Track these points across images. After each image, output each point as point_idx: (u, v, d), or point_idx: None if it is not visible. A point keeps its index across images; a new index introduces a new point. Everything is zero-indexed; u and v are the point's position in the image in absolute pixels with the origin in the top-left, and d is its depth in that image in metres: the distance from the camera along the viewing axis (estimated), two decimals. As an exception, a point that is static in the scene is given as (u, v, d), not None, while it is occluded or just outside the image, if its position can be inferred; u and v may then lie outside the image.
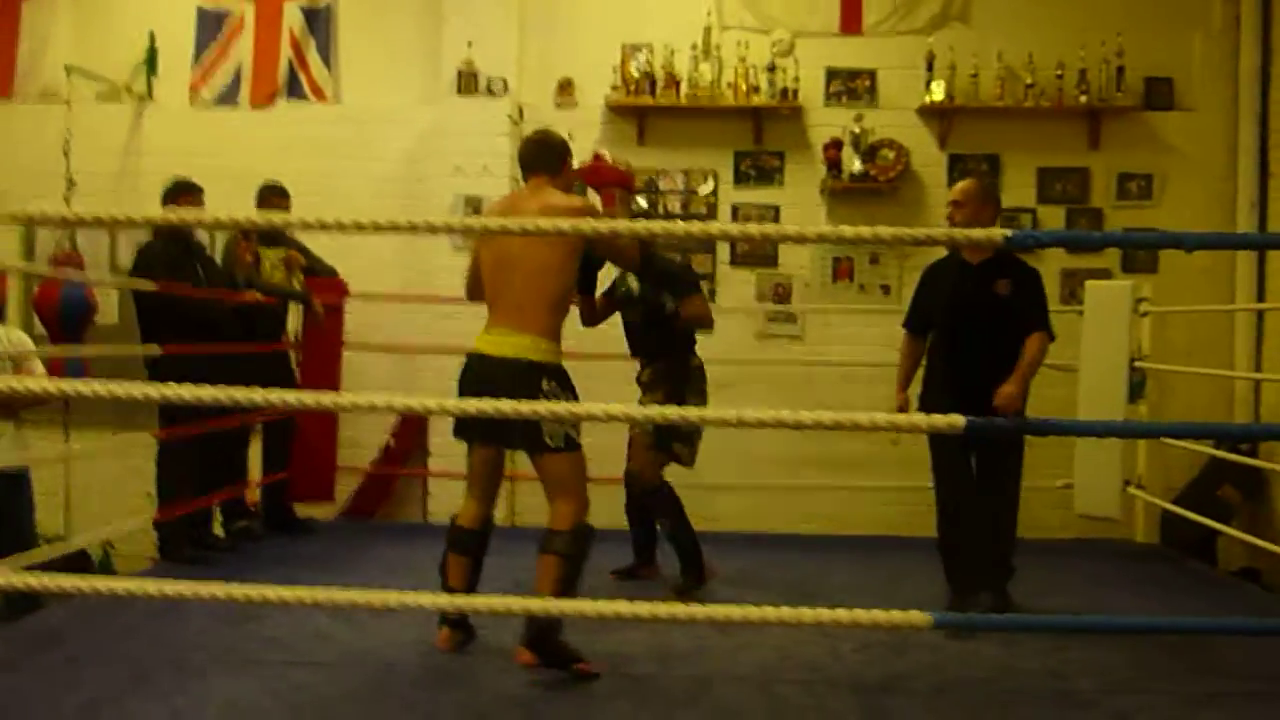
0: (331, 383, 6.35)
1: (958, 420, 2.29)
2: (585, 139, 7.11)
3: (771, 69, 6.94)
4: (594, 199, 4.78)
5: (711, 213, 7.08)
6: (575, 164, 4.34)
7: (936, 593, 5.22)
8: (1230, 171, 6.84)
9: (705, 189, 7.12)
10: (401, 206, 6.83)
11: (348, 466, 6.87)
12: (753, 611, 2.38)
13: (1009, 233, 2.36)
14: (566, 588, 3.79)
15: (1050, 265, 6.99)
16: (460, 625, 4.20)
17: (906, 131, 7.01)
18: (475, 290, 4.20)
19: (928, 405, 4.68)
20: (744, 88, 6.94)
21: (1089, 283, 6.53)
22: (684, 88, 6.97)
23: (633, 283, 5.10)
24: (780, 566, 5.73)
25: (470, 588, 4.13)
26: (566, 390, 3.88)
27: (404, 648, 4.16)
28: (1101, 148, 6.97)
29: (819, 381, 6.88)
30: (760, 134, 7.07)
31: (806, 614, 2.25)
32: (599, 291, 5.01)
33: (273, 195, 6.14)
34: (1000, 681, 3.96)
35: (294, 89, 7.29)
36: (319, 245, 6.48)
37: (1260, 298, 6.68)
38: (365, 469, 7.05)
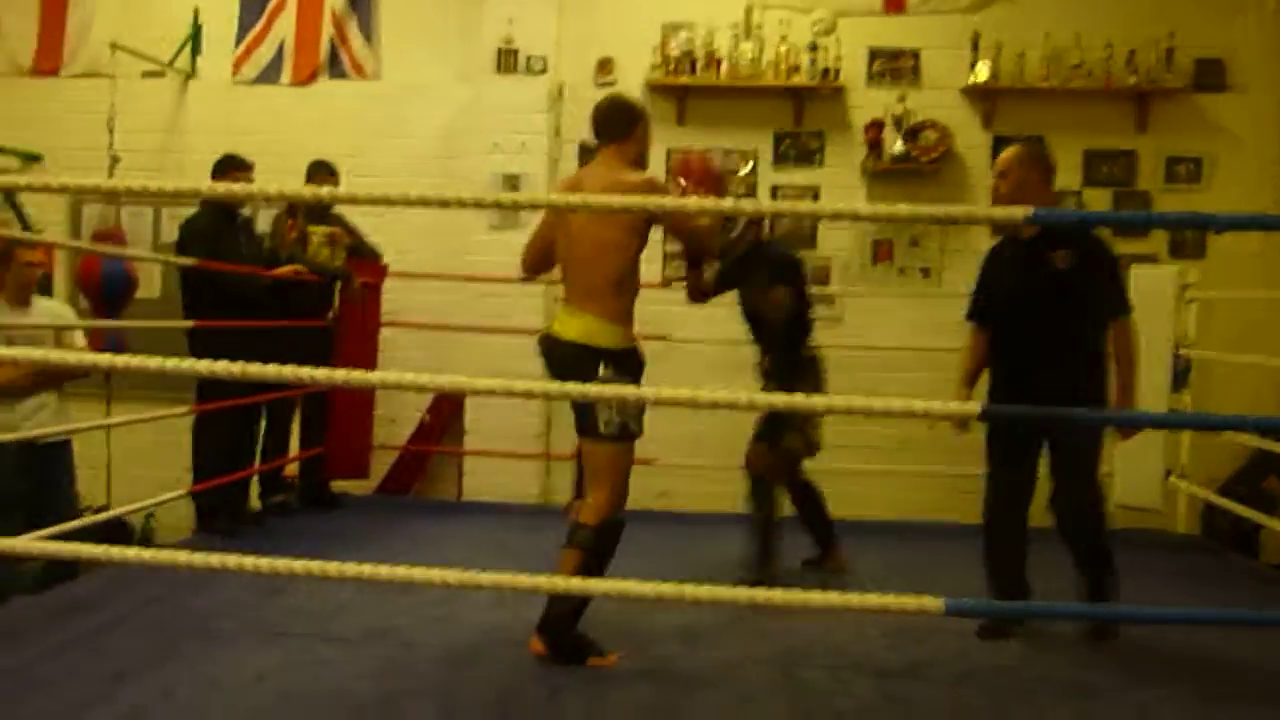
0: (368, 361, 6.38)
1: (971, 408, 2.22)
2: (624, 118, 7.10)
3: (813, 49, 6.86)
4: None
5: (751, 194, 7.03)
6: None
7: (965, 578, 5.18)
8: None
9: (744, 170, 7.06)
10: (439, 184, 6.86)
11: (384, 444, 6.92)
12: (760, 595, 2.36)
13: (1030, 211, 2.30)
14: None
15: (1095, 250, 6.89)
16: None
17: (950, 112, 6.92)
18: (531, 263, 4.09)
19: (993, 402, 4.28)
20: (784, 68, 6.87)
21: (1134, 268, 6.41)
22: (724, 67, 6.92)
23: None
24: (811, 551, 5.68)
25: None
26: (626, 375, 3.72)
27: (426, 624, 4.19)
28: (1149, 130, 6.83)
29: (857, 366, 6.79)
30: (801, 114, 7.01)
31: (816, 598, 2.22)
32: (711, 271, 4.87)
33: (321, 172, 6.17)
34: (1023, 671, 3.91)
35: (335, 66, 7.33)
36: (359, 221, 6.51)
37: (1312, 284, 6.53)
38: (401, 446, 7.10)
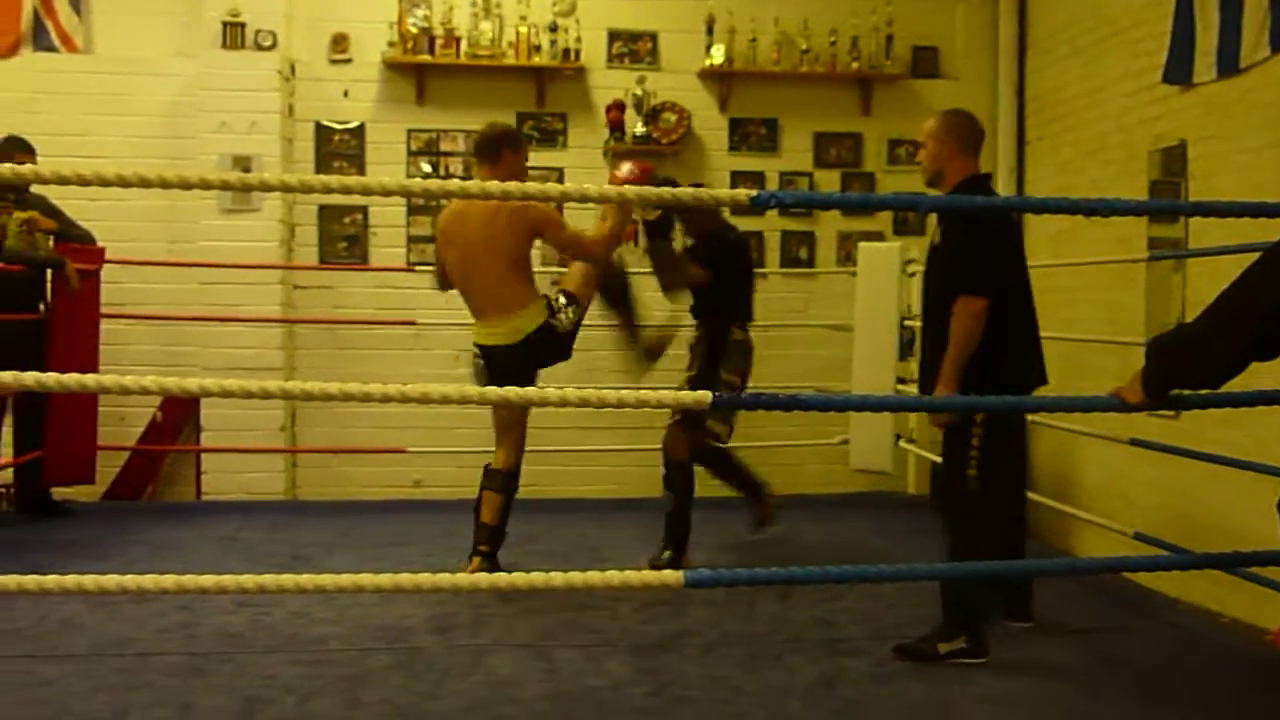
0: (88, 356, 5.92)
1: (704, 396, 2.25)
2: (362, 96, 6.89)
3: (553, 28, 6.84)
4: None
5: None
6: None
7: (721, 550, 5.33)
8: (991, 138, 7.09)
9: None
10: (163, 165, 6.42)
11: (112, 444, 6.46)
12: (501, 579, 2.33)
13: (753, 193, 2.35)
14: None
15: (826, 228, 7.21)
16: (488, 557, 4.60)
17: (688, 95, 7.05)
18: (442, 283, 4.80)
19: None
20: (525, 47, 6.82)
21: (861, 244, 6.76)
22: (464, 46, 6.80)
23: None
24: (568, 530, 5.72)
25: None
26: (560, 334, 4.59)
27: (164, 634, 3.95)
28: (873, 114, 7.18)
29: (606, 345, 6.87)
30: (543, 95, 6.98)
31: (557, 578, 2.21)
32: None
33: (15, 151, 5.66)
34: (775, 634, 4.07)
35: (40, 38, 6.73)
36: (71, 208, 6.04)
37: (1019, 258, 7.04)
38: (131, 446, 6.66)
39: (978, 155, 4.00)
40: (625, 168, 4.67)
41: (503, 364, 4.53)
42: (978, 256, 3.71)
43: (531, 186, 2.52)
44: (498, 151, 4.55)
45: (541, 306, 4.58)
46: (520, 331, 4.52)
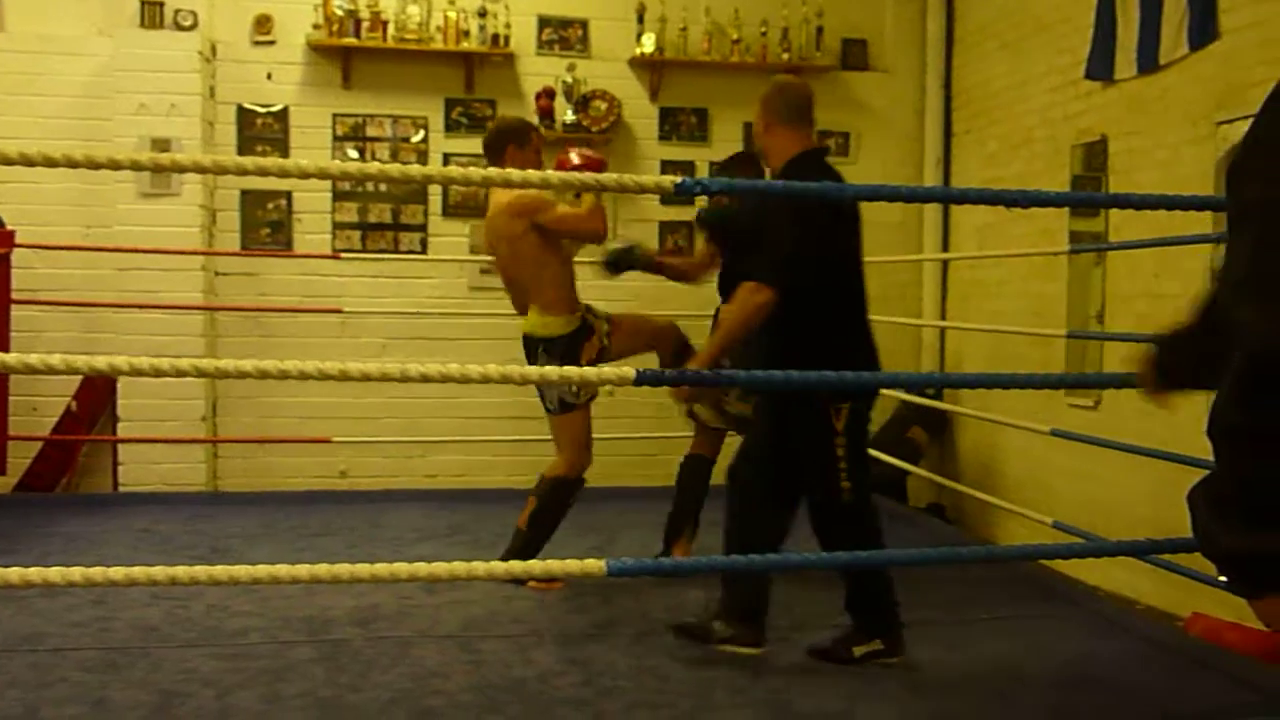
0: (-2, 342, 5.76)
1: (628, 373, 2.24)
2: (286, 79, 6.76)
3: (482, 14, 6.77)
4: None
5: (422, 161, 6.87)
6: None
7: (651, 541, 5.32)
8: (919, 131, 7.24)
9: (416, 137, 6.89)
10: (79, 147, 6.22)
11: (23, 435, 6.27)
12: (421, 569, 2.29)
13: (678, 179, 2.34)
14: (534, 527, 4.43)
15: (756, 218, 7.22)
16: None
17: (618, 83, 7.02)
18: None
19: None
20: (454, 32, 6.74)
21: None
22: (391, 29, 6.70)
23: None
24: (496, 521, 5.66)
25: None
26: (555, 358, 4.34)
27: (78, 629, 3.84)
28: (803, 105, 7.20)
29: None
30: (472, 81, 6.90)
31: (479, 568, 2.18)
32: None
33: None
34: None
35: (-53, 14, 6.52)
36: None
37: (945, 249, 7.14)
38: (44, 436, 6.47)
39: (805, 126, 3.74)
40: (574, 154, 4.38)
41: (527, 354, 4.53)
42: (777, 245, 3.47)
43: (454, 171, 2.49)
44: (501, 150, 4.43)
45: (567, 322, 4.43)
46: (541, 327, 4.43)
